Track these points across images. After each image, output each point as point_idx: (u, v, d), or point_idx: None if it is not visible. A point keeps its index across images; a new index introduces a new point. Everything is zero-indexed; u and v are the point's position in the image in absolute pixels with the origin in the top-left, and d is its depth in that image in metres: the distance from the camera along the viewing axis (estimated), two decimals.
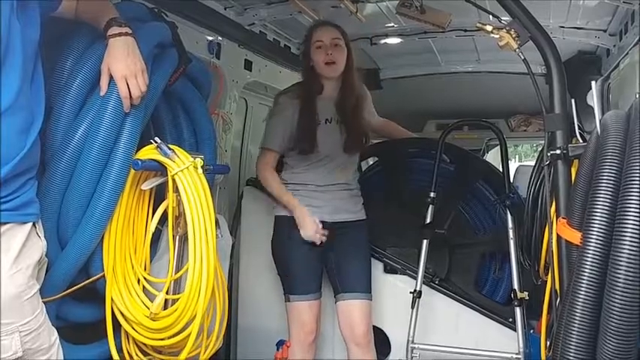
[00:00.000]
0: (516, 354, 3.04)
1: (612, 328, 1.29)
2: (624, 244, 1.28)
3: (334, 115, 3.05)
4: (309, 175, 3.02)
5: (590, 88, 2.97)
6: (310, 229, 2.93)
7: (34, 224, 1.65)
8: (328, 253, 3.06)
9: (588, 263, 1.41)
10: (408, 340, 3.17)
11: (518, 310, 3.09)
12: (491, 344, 3.16)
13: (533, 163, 2.62)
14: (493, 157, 6.04)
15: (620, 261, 1.28)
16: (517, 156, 13.30)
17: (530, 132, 5.53)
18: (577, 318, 1.43)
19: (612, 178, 1.40)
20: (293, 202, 2.98)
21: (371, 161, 4.33)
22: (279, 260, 3.05)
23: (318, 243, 2.95)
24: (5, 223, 1.55)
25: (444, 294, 3.37)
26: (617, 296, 1.28)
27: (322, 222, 3.00)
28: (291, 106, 3.01)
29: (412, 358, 3.17)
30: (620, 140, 1.44)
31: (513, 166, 5.27)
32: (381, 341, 3.25)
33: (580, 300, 1.42)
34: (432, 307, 3.32)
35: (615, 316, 1.28)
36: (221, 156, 3.35)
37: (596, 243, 1.40)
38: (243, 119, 4.24)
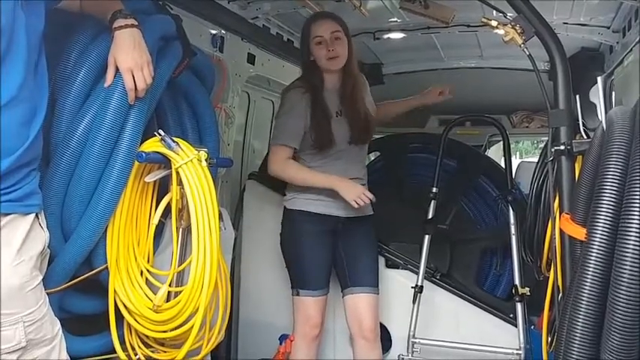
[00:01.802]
0: (517, 350, 3.05)
1: (617, 323, 1.29)
2: (630, 239, 1.27)
3: (339, 107, 3.02)
4: (324, 171, 2.99)
5: (592, 86, 2.97)
6: (356, 192, 2.86)
7: (36, 215, 1.65)
8: (338, 247, 3.06)
9: (593, 258, 1.41)
10: (409, 335, 3.19)
11: (519, 306, 3.11)
12: (492, 340, 3.17)
13: (534, 159, 2.62)
14: (494, 153, 6.05)
15: (626, 256, 1.28)
16: (518, 152, 13.32)
17: (532, 128, 5.51)
18: (581, 313, 1.44)
19: (618, 174, 1.40)
20: (329, 178, 2.91)
21: (372, 156, 4.35)
22: (289, 254, 3.03)
23: (363, 204, 2.88)
24: (8, 214, 1.55)
25: (446, 289, 3.38)
26: (622, 291, 1.28)
27: (336, 217, 3.00)
28: (303, 101, 2.96)
29: (413, 352, 3.18)
30: (626, 136, 1.44)
31: (514, 162, 5.28)
32: (383, 336, 3.25)
33: (585, 295, 1.42)
34: (433, 303, 3.33)
35: (620, 311, 1.28)
36: (223, 150, 3.35)
37: (601, 238, 1.40)
38: (246, 113, 4.25)
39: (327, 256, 3.01)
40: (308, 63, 3.06)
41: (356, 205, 2.85)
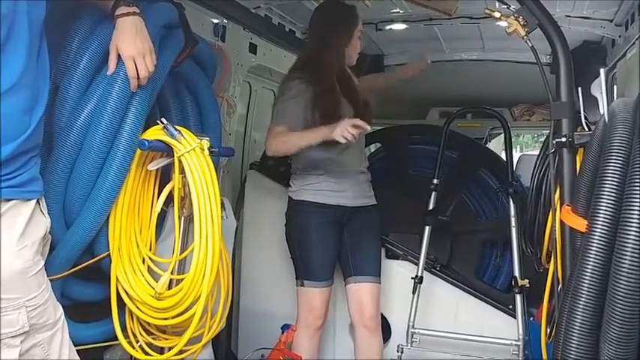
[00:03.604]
0: (516, 341, 3.07)
1: (617, 313, 1.30)
2: (630, 230, 1.28)
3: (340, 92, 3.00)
4: (329, 158, 2.96)
5: (594, 79, 2.97)
6: (343, 124, 2.64)
7: (37, 201, 1.66)
8: (342, 236, 3.05)
9: (594, 249, 1.42)
10: (409, 326, 3.20)
11: (518, 298, 3.12)
12: (491, 331, 3.19)
13: (535, 152, 2.62)
14: (495, 146, 6.06)
15: (626, 247, 1.28)
16: (518, 146, 13.31)
17: (533, 121, 5.52)
18: (581, 303, 1.45)
19: (619, 165, 1.41)
20: (317, 131, 2.74)
21: (373, 148, 4.35)
22: (295, 245, 3.00)
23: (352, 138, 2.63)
24: (10, 200, 1.56)
25: (445, 280, 3.39)
26: (622, 282, 1.29)
27: (343, 207, 2.98)
28: (305, 92, 2.90)
29: (412, 343, 3.20)
30: (629, 128, 1.44)
31: (515, 156, 5.28)
32: (382, 326, 3.26)
33: (585, 285, 1.43)
34: (432, 293, 3.35)
35: (620, 302, 1.29)
36: (225, 139, 3.36)
37: (602, 229, 1.41)
38: (247, 103, 4.25)
39: (333, 248, 3.00)
40: (339, 51, 2.98)
41: (344, 141, 2.65)
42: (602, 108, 1.74)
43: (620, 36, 3.58)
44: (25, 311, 1.56)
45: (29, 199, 1.61)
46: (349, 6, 3.08)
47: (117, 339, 2.37)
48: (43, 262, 1.66)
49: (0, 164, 1.52)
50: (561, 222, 1.96)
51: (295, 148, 2.85)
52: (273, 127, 2.91)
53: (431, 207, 3.37)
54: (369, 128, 2.75)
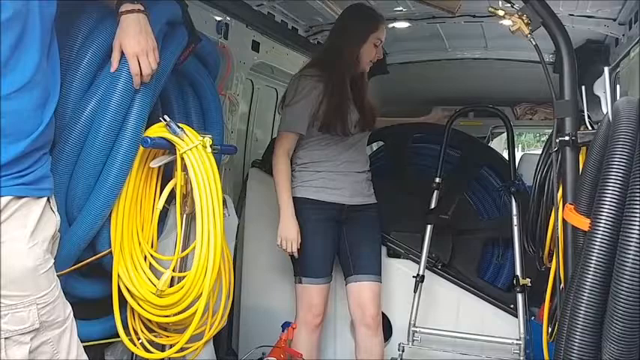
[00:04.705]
0: (517, 340, 3.06)
1: (619, 311, 1.30)
2: (634, 229, 1.28)
3: (350, 95, 3.03)
4: (330, 156, 2.99)
5: (597, 78, 2.95)
6: (293, 232, 2.89)
7: (48, 199, 1.66)
8: (342, 235, 3.06)
9: (597, 247, 1.42)
10: (410, 324, 3.19)
11: (520, 297, 3.11)
12: (492, 330, 3.18)
13: (537, 152, 2.62)
14: (497, 144, 6.05)
15: (629, 245, 1.28)
16: (520, 145, 13.30)
17: (535, 120, 5.51)
18: (584, 301, 1.45)
19: (623, 164, 1.41)
20: (287, 206, 2.91)
21: (375, 146, 4.35)
22: None
23: (289, 252, 2.92)
24: (22, 197, 1.56)
25: (447, 279, 3.38)
26: (625, 280, 1.29)
27: (340, 205, 3.00)
28: (316, 89, 2.93)
29: (413, 341, 3.19)
30: (633, 126, 1.44)
31: (517, 155, 5.28)
32: (383, 325, 3.26)
33: (587, 283, 1.43)
34: (434, 292, 3.34)
35: (623, 300, 1.29)
36: (227, 137, 3.36)
37: (605, 227, 1.41)
38: (249, 101, 4.24)
39: (332, 245, 3.01)
40: (350, 56, 2.99)
41: (278, 241, 2.91)
42: (606, 107, 1.74)
43: (623, 35, 3.57)
44: (36, 308, 1.56)
45: (40, 197, 1.61)
46: (374, 13, 3.10)
47: (118, 336, 2.37)
48: (52, 261, 1.66)
49: (8, 162, 1.52)
50: (564, 221, 1.96)
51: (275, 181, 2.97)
52: (283, 135, 2.97)
53: (433, 205, 3.37)
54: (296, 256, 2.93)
